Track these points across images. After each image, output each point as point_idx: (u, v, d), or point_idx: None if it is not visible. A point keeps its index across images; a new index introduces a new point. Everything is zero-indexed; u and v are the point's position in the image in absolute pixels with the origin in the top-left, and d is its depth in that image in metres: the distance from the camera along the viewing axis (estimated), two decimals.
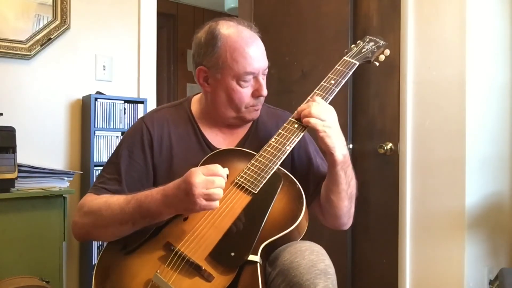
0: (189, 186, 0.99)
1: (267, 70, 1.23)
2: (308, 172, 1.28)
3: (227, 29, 1.19)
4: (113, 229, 1.10)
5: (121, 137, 2.26)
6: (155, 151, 1.22)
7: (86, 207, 1.15)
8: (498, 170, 2.06)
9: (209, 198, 1.00)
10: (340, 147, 1.14)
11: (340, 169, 1.15)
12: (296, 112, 1.19)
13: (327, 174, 1.19)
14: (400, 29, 2.05)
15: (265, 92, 1.22)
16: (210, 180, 1.00)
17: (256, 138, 1.28)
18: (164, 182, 1.20)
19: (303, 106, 1.18)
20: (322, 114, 1.13)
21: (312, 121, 1.12)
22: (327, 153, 1.15)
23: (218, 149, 1.24)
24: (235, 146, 1.27)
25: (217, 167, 1.02)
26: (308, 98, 1.22)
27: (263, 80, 1.22)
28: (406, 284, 2.02)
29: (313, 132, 1.16)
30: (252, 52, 1.17)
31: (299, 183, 1.15)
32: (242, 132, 1.30)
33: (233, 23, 1.21)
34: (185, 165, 1.20)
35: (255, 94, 1.21)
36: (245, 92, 1.20)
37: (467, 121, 1.86)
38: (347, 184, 1.18)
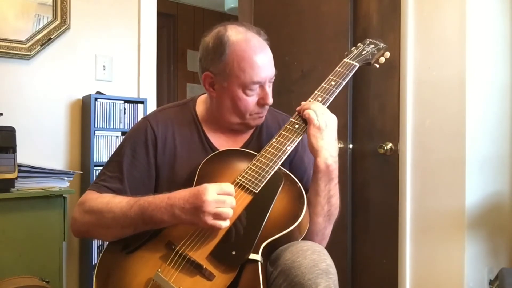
0: (200, 203, 0.99)
1: (274, 78, 1.23)
2: (300, 180, 1.26)
3: (235, 36, 1.17)
4: (114, 231, 1.11)
5: (121, 137, 2.27)
6: (158, 151, 1.22)
7: (87, 205, 1.14)
8: (498, 170, 2.06)
9: (218, 217, 1.01)
10: (325, 154, 1.13)
11: (320, 178, 1.13)
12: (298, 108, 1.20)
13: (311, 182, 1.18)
14: (400, 29, 2.05)
15: (270, 101, 1.21)
16: (221, 200, 1.01)
17: (259, 142, 1.28)
18: (166, 182, 1.21)
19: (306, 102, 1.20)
20: (320, 113, 1.15)
21: (311, 113, 1.15)
22: (312, 154, 1.15)
23: None
24: None
25: (229, 186, 1.04)
26: (309, 100, 1.22)
27: (269, 88, 1.21)
28: (406, 284, 2.02)
29: None
30: (259, 61, 1.16)
31: None
32: (245, 135, 1.30)
33: (242, 29, 1.19)
34: (188, 166, 1.21)
35: (260, 103, 1.21)
36: (250, 100, 1.19)
37: (467, 121, 1.86)
38: (325, 199, 1.15)
